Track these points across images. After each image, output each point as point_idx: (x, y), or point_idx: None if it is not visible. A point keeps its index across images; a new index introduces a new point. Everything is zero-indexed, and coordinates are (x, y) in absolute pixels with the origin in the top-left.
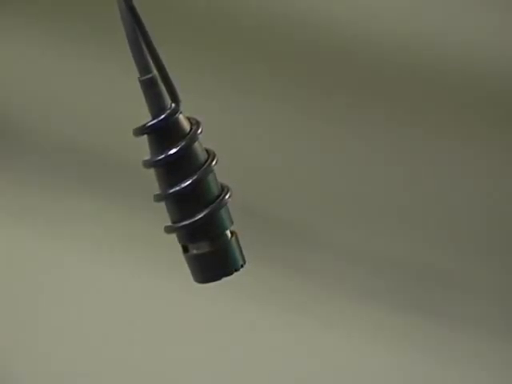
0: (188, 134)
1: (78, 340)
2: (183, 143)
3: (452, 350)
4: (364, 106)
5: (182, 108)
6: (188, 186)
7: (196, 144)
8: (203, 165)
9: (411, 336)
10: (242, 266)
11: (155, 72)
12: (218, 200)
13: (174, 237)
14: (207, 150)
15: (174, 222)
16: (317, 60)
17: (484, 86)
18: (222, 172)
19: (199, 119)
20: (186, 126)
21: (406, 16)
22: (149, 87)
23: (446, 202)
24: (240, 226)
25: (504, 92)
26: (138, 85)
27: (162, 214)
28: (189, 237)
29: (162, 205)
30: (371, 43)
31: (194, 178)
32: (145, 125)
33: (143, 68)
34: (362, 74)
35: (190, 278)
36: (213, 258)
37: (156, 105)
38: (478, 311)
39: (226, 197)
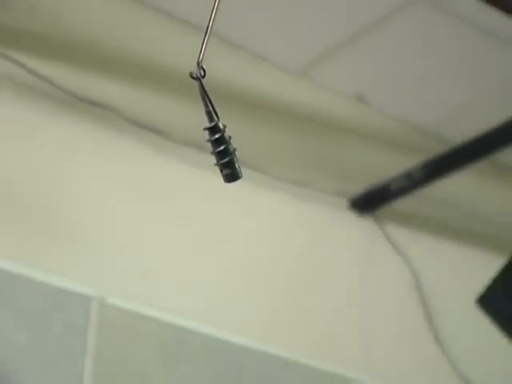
0: (223, 129)
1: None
2: (223, 132)
3: None
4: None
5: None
6: (222, 149)
7: (225, 134)
8: (227, 141)
9: None
10: (241, 177)
11: (216, 119)
12: (233, 153)
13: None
14: (229, 136)
15: (217, 161)
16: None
17: None
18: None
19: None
20: (221, 127)
21: None
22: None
23: None
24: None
25: None
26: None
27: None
28: (222, 167)
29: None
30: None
31: (225, 146)
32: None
33: (209, 118)
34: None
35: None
36: (231, 174)
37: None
38: None
39: (236, 152)
